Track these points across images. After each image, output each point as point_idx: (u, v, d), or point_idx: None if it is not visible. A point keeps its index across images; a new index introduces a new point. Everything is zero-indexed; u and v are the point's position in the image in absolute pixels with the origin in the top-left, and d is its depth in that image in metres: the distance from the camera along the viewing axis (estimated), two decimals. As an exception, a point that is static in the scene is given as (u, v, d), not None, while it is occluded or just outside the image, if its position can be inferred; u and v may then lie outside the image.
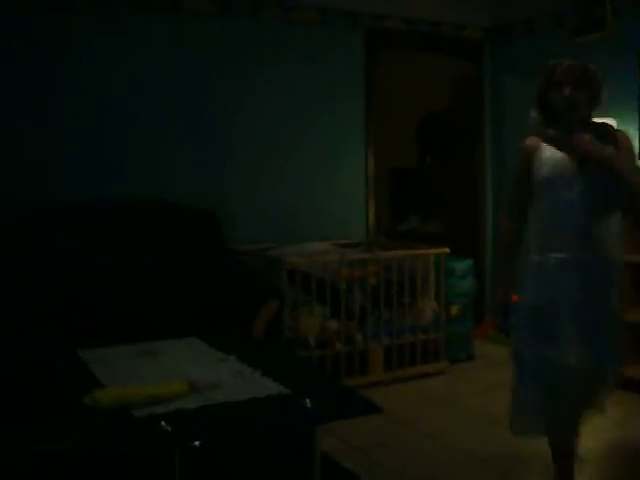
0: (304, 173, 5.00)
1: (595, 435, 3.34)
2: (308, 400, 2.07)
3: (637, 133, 4.46)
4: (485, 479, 3.12)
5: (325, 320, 4.26)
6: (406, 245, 4.90)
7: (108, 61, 4.32)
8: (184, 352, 2.80)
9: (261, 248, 4.60)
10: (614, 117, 4.66)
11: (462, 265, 4.95)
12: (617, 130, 2.79)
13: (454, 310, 4.88)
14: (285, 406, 2.13)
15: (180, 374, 2.38)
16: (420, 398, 4.22)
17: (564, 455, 2.75)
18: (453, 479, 3.12)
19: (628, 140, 2.64)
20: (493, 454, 3.36)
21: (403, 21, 5.32)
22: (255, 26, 4.76)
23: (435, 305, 4.68)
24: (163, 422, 1.96)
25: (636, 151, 4.45)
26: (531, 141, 2.66)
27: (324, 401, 2.13)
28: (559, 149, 2.60)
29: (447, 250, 4.67)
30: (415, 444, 3.52)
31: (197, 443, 1.91)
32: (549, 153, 2.60)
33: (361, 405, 2.15)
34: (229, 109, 4.71)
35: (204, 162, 4.63)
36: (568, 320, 2.52)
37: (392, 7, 5.25)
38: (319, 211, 5.05)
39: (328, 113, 5.07)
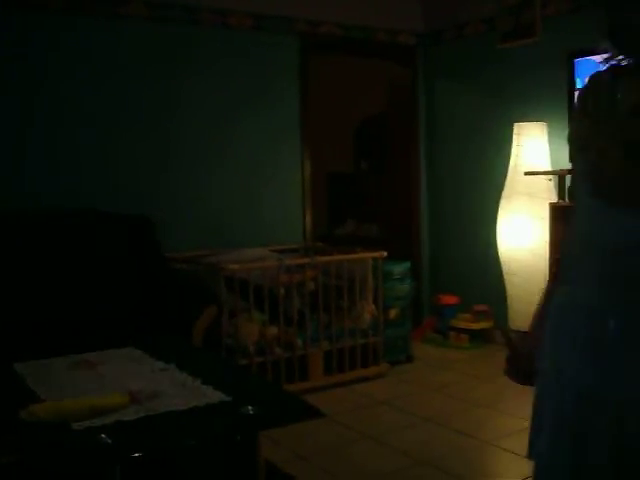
0: (240, 178, 4.99)
1: None
2: (250, 407, 2.07)
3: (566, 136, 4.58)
4: (427, 479, 3.15)
5: (264, 326, 4.25)
6: (344, 249, 4.93)
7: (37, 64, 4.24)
8: (123, 362, 2.75)
9: (198, 255, 4.57)
10: (544, 121, 4.80)
11: (399, 268, 5.00)
12: None
13: (392, 313, 4.93)
14: (227, 413, 2.12)
15: (119, 385, 2.35)
16: (361, 401, 4.25)
17: None
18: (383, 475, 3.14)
19: None
20: (433, 454, 3.40)
21: (338, 27, 5.36)
22: (190, 31, 4.73)
23: (373, 308, 4.71)
24: (103, 435, 1.92)
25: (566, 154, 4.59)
26: None
27: (266, 407, 2.12)
28: None
29: (384, 254, 4.71)
30: (358, 447, 3.54)
31: (137, 455, 1.88)
32: None
33: (303, 410, 2.16)
34: (163, 114, 4.67)
35: (138, 168, 4.58)
36: None
37: (327, 13, 5.29)
38: (256, 217, 5.04)
39: (264, 118, 5.07)
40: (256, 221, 5.04)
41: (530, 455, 1.62)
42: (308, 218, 5.37)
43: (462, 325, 5.41)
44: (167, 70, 4.67)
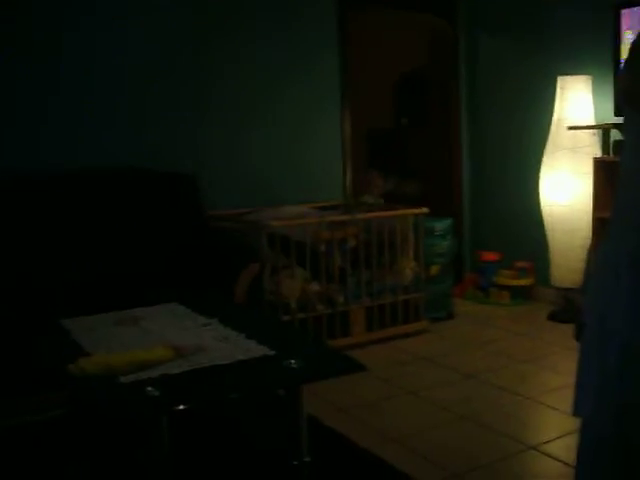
0: (281, 136, 4.99)
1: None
2: (293, 360, 2.09)
3: (612, 88, 4.47)
4: (467, 435, 3.17)
5: (306, 283, 4.28)
6: (385, 206, 4.91)
7: (72, 24, 4.25)
8: (166, 318, 2.80)
9: (240, 213, 4.60)
10: (588, 74, 4.69)
11: (441, 225, 4.98)
12: None
13: (434, 270, 4.92)
14: (270, 367, 2.15)
15: (164, 340, 2.39)
16: (401, 357, 4.27)
17: None
18: (435, 435, 3.17)
19: None
20: (474, 410, 3.41)
21: (376, -20, 5.27)
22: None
23: (415, 265, 4.71)
24: (150, 387, 1.97)
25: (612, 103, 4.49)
26: None
27: (309, 361, 2.15)
28: None
29: (425, 210, 4.69)
30: (397, 402, 3.57)
31: (182, 407, 1.92)
32: None
33: (345, 364, 2.18)
34: (204, 74, 4.67)
35: (181, 127, 4.59)
36: None
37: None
38: (297, 174, 5.05)
39: (303, 76, 5.04)
40: (297, 178, 5.04)
41: (576, 412, 1.62)
42: (348, 175, 5.35)
43: (503, 282, 5.39)
44: (207, 28, 4.65)
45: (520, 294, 5.36)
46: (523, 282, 5.35)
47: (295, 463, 2.26)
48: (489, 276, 5.50)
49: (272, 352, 2.22)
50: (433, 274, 4.91)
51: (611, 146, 4.36)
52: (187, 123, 4.62)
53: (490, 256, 5.54)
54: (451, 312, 5.05)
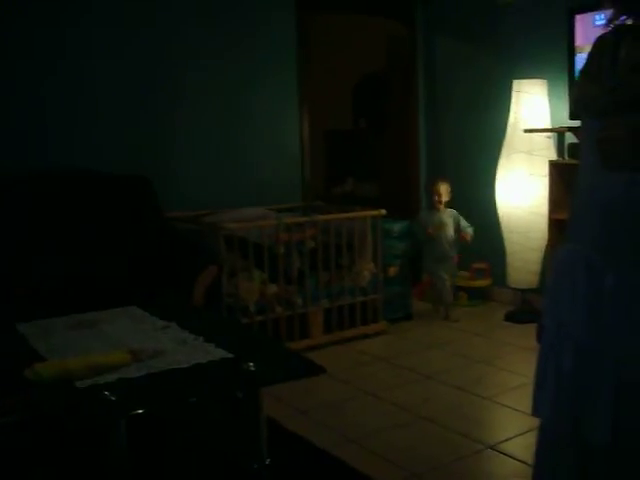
0: (239, 137, 4.97)
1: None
2: (251, 363, 2.08)
3: (567, 92, 4.54)
4: (426, 435, 3.19)
5: (264, 285, 4.27)
6: (343, 208, 4.93)
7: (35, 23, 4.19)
8: (124, 321, 2.77)
9: (199, 214, 4.57)
10: (544, 78, 4.76)
11: (398, 226, 5.01)
12: None
13: (392, 271, 4.94)
14: (229, 370, 2.14)
15: (121, 344, 2.36)
16: (361, 358, 4.29)
17: None
18: (395, 436, 3.18)
19: None
20: (433, 410, 3.44)
21: (334, -17, 5.29)
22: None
23: (373, 267, 4.73)
24: (106, 392, 1.94)
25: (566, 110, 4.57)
26: None
27: (267, 364, 2.14)
28: None
29: (383, 212, 4.71)
30: (357, 403, 3.58)
31: (141, 411, 1.90)
32: None
33: (304, 366, 2.17)
34: (162, 76, 4.63)
35: (138, 129, 4.55)
36: None
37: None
38: (255, 176, 5.03)
39: (262, 78, 5.03)
40: (255, 180, 5.03)
41: (534, 412, 1.65)
42: (307, 177, 5.35)
43: (461, 283, 5.43)
44: (166, 30, 4.62)
45: (477, 295, 5.42)
46: (480, 283, 5.41)
47: (255, 466, 2.25)
48: (446, 277, 5.54)
49: (230, 355, 2.21)
50: (391, 275, 4.94)
51: (566, 149, 4.43)
52: (145, 125, 4.58)
53: (448, 257, 5.57)
54: (409, 313, 5.08)
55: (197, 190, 4.74)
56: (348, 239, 4.62)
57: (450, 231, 5.05)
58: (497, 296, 5.38)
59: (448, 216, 5.09)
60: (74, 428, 1.94)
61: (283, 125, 5.19)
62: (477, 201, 5.40)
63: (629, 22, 1.49)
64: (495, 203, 5.02)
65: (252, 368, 2.07)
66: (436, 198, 5.08)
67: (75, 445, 2.01)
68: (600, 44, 1.53)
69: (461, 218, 5.12)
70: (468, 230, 5.06)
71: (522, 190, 4.77)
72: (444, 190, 5.09)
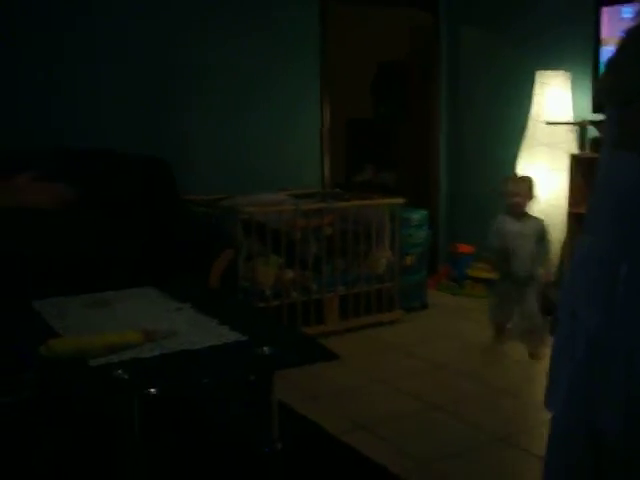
0: (260, 123, 4.97)
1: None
2: (266, 347, 2.09)
3: (590, 85, 4.49)
4: (439, 423, 3.19)
5: (280, 270, 4.28)
6: (361, 195, 4.92)
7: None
8: (139, 302, 2.78)
9: (216, 198, 4.58)
10: (568, 70, 4.70)
11: (417, 215, 4.99)
12: None
13: (409, 260, 4.93)
14: (242, 353, 2.14)
15: (135, 323, 2.37)
16: (374, 346, 4.28)
17: None
18: (407, 423, 3.18)
19: None
20: (445, 400, 3.43)
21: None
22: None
23: (390, 255, 4.72)
24: (120, 370, 1.95)
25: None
26: None
27: (282, 348, 2.14)
28: None
29: (402, 200, 4.70)
30: (369, 391, 3.58)
31: (154, 390, 1.91)
32: None
33: (318, 352, 2.17)
34: (186, 63, 4.64)
35: (159, 112, 4.56)
36: None
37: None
38: (275, 161, 5.03)
39: (284, 64, 5.04)
40: (275, 166, 5.03)
41: (547, 405, 1.64)
42: (326, 164, 5.35)
43: (478, 274, 5.41)
44: (189, 20, 4.62)
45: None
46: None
47: (267, 450, 2.26)
48: (463, 268, 5.52)
49: (245, 338, 2.21)
50: (408, 264, 4.93)
51: (588, 142, 4.39)
52: (168, 109, 4.59)
53: (465, 248, 5.56)
54: (425, 302, 5.06)
55: (215, 174, 4.75)
56: (366, 227, 4.60)
57: (530, 246, 3.96)
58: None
59: (531, 226, 4.00)
60: (87, 406, 1.95)
61: (304, 111, 5.18)
62: (496, 191, 5.36)
63: None
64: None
65: (266, 352, 2.07)
66: (512, 200, 3.98)
67: (88, 423, 2.02)
68: (629, 36, 1.52)
69: (546, 233, 4.01)
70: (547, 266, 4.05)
71: (542, 183, 4.72)
72: (523, 189, 3.99)
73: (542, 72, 4.74)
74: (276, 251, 4.27)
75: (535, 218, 4.05)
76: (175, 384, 2.02)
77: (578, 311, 1.55)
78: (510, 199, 4.00)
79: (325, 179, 5.33)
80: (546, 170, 4.69)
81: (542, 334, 3.90)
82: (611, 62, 1.54)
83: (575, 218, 4.24)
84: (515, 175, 4.26)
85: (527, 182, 4.05)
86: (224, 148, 4.82)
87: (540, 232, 4.00)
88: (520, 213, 4.01)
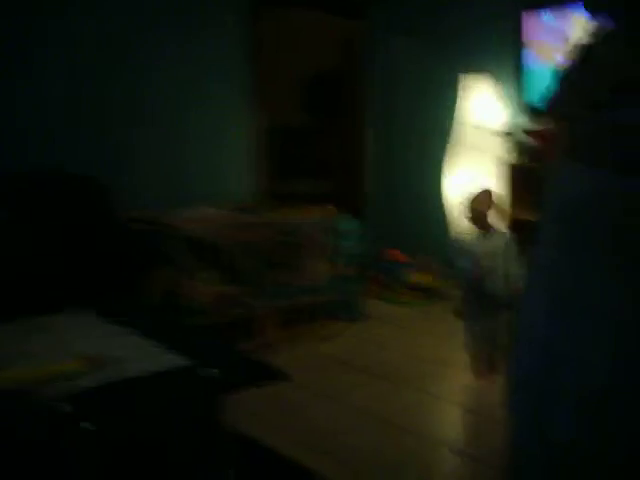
0: (193, 134, 4.90)
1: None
2: (214, 370, 2.03)
3: (515, 89, 4.57)
4: (386, 437, 3.18)
5: (220, 286, 4.21)
6: (297, 207, 4.89)
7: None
8: (77, 326, 2.68)
9: (153, 214, 4.46)
10: (491, 74, 4.76)
11: (351, 225, 4.99)
12: None
13: (345, 270, 4.92)
14: (190, 378, 2.08)
15: (75, 350, 2.28)
16: (316, 360, 4.25)
17: None
18: (354, 439, 3.17)
19: None
20: (392, 412, 3.43)
21: (288, -20, 5.26)
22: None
23: (328, 266, 4.71)
24: (60, 402, 1.87)
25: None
26: None
27: (229, 371, 2.09)
28: None
29: (338, 211, 4.70)
30: (315, 406, 3.55)
31: (88, 424, 1.82)
32: None
33: (267, 373, 2.14)
34: (114, 75, 4.53)
35: (91, 129, 4.45)
36: None
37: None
38: (209, 175, 4.97)
39: (214, 75, 4.97)
40: (210, 179, 4.96)
41: (508, 409, 1.65)
42: (261, 175, 5.31)
43: (413, 281, 5.45)
44: (115, 28, 4.53)
45: (429, 293, 5.43)
46: (431, 281, 5.42)
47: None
48: (397, 276, 5.55)
49: (191, 362, 2.16)
50: (344, 275, 4.92)
51: (515, 147, 4.47)
52: (100, 125, 4.48)
53: (397, 255, 5.59)
54: (364, 313, 5.06)
55: (152, 190, 4.65)
56: (303, 238, 4.58)
57: (501, 263, 3.67)
58: (450, 294, 5.40)
59: (499, 241, 3.73)
60: (28, 440, 1.86)
61: (236, 123, 5.14)
62: (427, 198, 5.41)
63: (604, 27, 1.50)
64: (441, 200, 5.02)
65: (213, 375, 2.02)
66: (475, 217, 3.75)
67: (29, 458, 1.94)
68: (577, 50, 1.54)
69: (514, 247, 3.69)
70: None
71: (469, 188, 4.78)
72: (484, 203, 3.76)
73: (467, 76, 4.79)
74: (215, 267, 4.20)
75: (501, 232, 3.81)
76: (121, 414, 1.95)
77: (533, 320, 1.56)
78: (475, 214, 3.76)
79: (259, 191, 5.29)
80: (473, 173, 4.73)
81: (500, 359, 3.62)
82: (564, 76, 1.56)
83: (517, 225, 4.32)
84: (477, 192, 3.88)
85: (488, 195, 3.82)
86: (159, 162, 4.73)
87: (508, 247, 3.71)
88: (485, 229, 3.76)
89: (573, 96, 1.49)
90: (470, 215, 3.76)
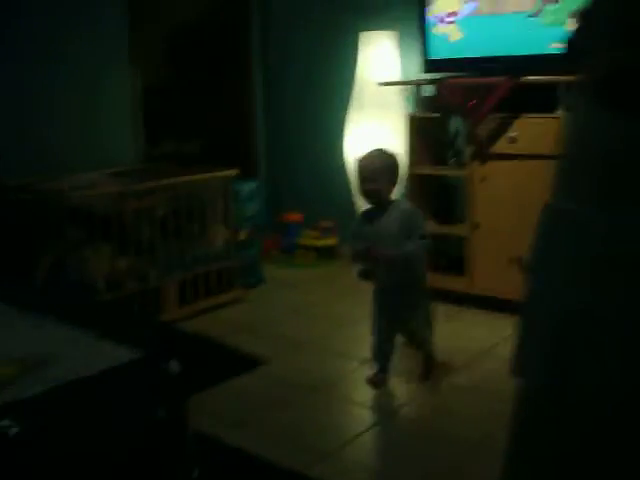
0: (66, 98, 4.42)
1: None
2: (176, 362, 1.74)
3: (418, 45, 4.42)
4: (308, 405, 3.01)
5: (113, 258, 3.85)
6: (191, 170, 4.53)
7: None
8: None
9: (29, 182, 3.97)
10: (394, 29, 4.60)
11: (247, 187, 4.73)
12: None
13: (242, 235, 4.66)
14: (144, 374, 1.79)
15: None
16: (223, 329, 3.97)
17: None
18: (275, 408, 2.97)
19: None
20: (319, 379, 3.25)
21: None
22: None
23: (225, 231, 4.43)
24: (4, 421, 1.54)
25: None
26: None
27: (193, 362, 1.82)
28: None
29: (235, 172, 4.41)
30: (233, 381, 3.29)
31: (14, 430, 1.51)
32: None
33: (237, 362, 1.88)
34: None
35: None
36: None
37: None
38: (87, 138, 4.52)
39: (87, 33, 4.49)
40: (87, 143, 4.50)
41: (515, 372, 1.52)
42: (140, 137, 4.91)
43: (308, 243, 5.27)
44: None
45: (325, 254, 5.27)
46: (328, 242, 5.27)
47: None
48: (293, 237, 5.35)
49: (140, 354, 1.85)
50: (242, 239, 4.66)
51: (420, 102, 4.35)
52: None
53: (293, 217, 5.39)
54: (262, 277, 4.83)
55: (25, 154, 4.16)
56: (198, 203, 4.27)
57: (396, 237, 2.97)
58: (345, 254, 5.27)
59: (396, 218, 3.00)
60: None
61: (112, 83, 4.69)
62: (323, 158, 5.22)
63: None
64: (343, 159, 4.86)
65: (175, 369, 1.73)
66: (366, 187, 3.01)
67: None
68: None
69: (417, 216, 3.04)
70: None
71: (374, 144, 4.64)
72: (378, 170, 2.98)
73: (366, 33, 4.61)
74: (106, 238, 3.82)
75: (401, 205, 3.09)
76: (69, 425, 1.64)
77: (552, 283, 1.42)
78: (363, 185, 3.03)
79: (140, 153, 4.90)
80: (376, 131, 4.59)
81: (430, 349, 3.20)
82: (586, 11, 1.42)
83: (415, 179, 4.22)
84: (369, 152, 3.09)
85: (384, 160, 3.03)
86: (32, 128, 4.23)
87: (410, 223, 2.98)
88: (381, 203, 3.04)
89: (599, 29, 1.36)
90: (362, 188, 3.05)
